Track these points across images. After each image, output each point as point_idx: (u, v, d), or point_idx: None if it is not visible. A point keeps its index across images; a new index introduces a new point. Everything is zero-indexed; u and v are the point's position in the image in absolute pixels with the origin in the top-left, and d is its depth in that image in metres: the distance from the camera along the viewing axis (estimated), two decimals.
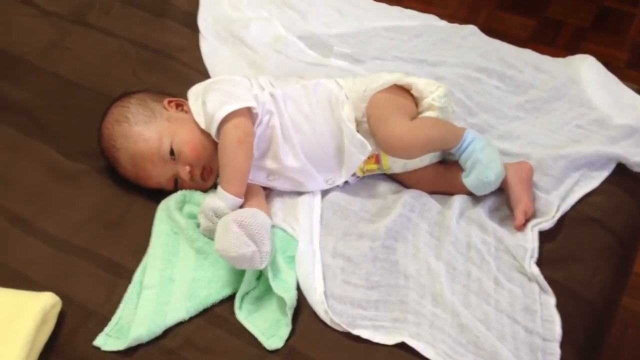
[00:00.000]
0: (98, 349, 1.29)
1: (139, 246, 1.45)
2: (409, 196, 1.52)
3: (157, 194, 1.53)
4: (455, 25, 2.03)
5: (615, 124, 1.69)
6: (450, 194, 1.57)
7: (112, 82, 1.79)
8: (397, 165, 1.58)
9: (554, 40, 3.14)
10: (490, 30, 2.08)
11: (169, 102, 1.58)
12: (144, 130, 1.51)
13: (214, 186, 1.53)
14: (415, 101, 1.60)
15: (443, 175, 1.60)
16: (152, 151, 1.50)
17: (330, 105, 1.57)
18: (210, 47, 1.93)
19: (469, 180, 1.53)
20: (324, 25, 2.01)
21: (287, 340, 1.31)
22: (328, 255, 1.43)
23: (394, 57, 1.89)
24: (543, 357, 1.31)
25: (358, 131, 1.54)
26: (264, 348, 1.30)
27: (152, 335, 1.31)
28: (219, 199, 1.44)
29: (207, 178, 1.54)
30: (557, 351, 1.32)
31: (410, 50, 1.93)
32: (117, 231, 1.49)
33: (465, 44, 1.95)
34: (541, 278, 1.41)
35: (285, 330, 1.32)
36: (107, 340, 1.30)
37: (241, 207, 1.45)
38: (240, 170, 1.47)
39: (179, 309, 1.34)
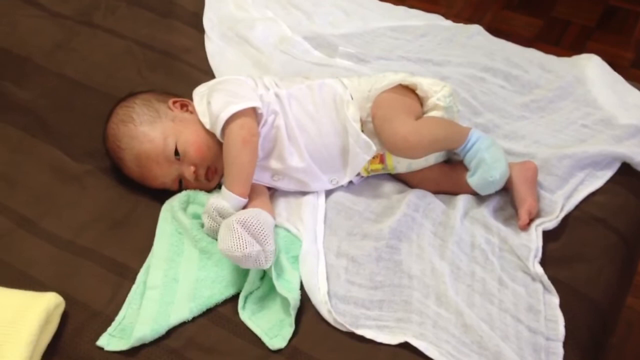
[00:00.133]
0: (101, 349, 1.30)
1: (144, 246, 1.45)
2: (413, 196, 1.52)
3: (162, 195, 1.53)
4: (460, 25, 2.03)
5: (620, 123, 1.69)
6: (455, 193, 1.57)
7: (117, 83, 1.79)
8: (401, 165, 1.58)
9: (559, 39, 3.13)
10: (496, 30, 2.08)
11: (174, 102, 1.58)
12: (149, 131, 1.51)
13: (218, 186, 1.54)
14: (420, 101, 1.60)
15: (448, 175, 1.59)
16: (157, 151, 1.50)
17: (335, 105, 1.57)
18: (215, 48, 1.93)
19: (473, 179, 1.52)
20: (330, 25, 2.01)
21: (291, 340, 1.31)
22: (332, 255, 1.43)
23: (399, 56, 1.89)
24: (546, 357, 1.30)
25: (363, 131, 1.54)
26: (267, 348, 1.30)
27: (156, 336, 1.31)
28: (224, 199, 1.44)
29: (211, 178, 1.54)
30: (561, 351, 1.31)
31: (415, 50, 1.93)
32: (122, 231, 1.49)
33: (470, 44, 1.95)
34: (545, 278, 1.41)
35: (288, 330, 1.32)
36: (110, 340, 1.31)
37: (245, 207, 1.45)
38: (244, 170, 1.47)
39: (183, 309, 1.34)
